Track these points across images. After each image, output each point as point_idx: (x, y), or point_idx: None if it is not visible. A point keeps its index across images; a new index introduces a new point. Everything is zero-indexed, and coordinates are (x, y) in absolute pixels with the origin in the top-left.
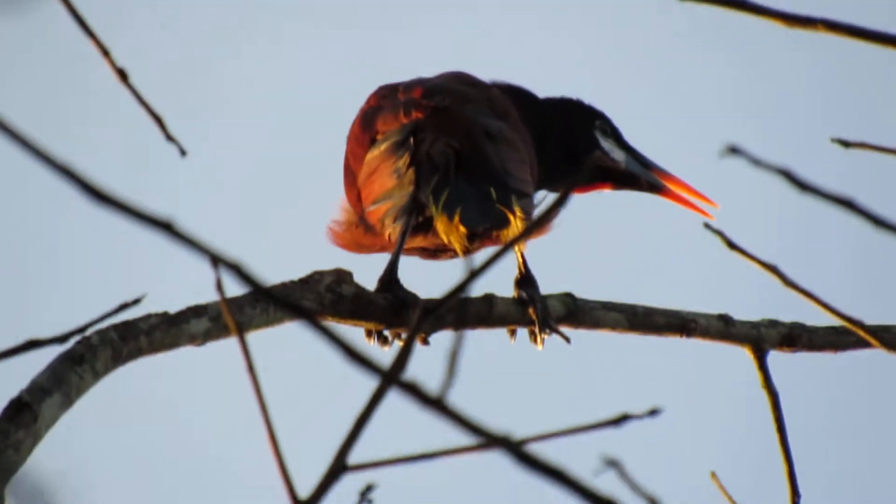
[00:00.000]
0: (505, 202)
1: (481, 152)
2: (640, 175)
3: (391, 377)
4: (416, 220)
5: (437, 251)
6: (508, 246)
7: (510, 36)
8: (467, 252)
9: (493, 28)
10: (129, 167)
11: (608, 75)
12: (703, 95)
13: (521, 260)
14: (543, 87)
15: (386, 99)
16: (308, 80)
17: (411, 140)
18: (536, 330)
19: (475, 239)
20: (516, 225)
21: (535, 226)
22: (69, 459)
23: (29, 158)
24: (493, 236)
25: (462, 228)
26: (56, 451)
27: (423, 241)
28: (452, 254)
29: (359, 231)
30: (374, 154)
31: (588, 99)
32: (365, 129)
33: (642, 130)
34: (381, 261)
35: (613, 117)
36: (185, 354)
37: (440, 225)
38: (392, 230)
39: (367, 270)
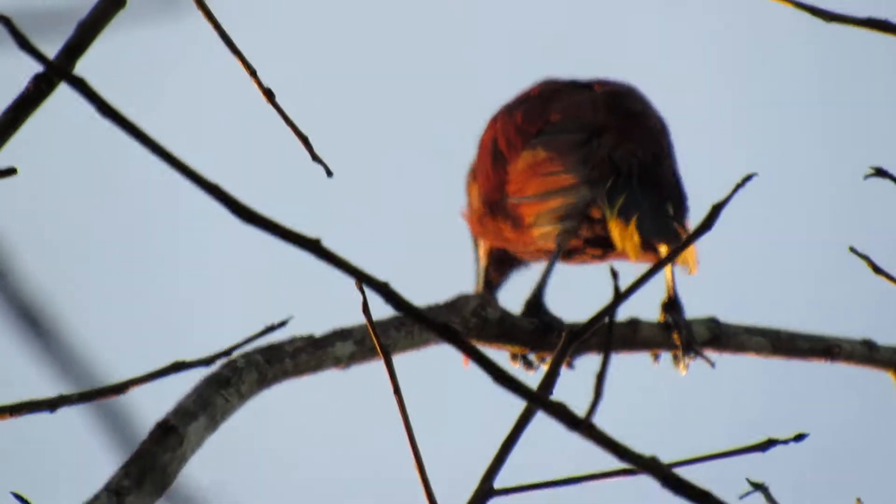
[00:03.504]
0: (680, 220)
1: (664, 167)
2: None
3: (539, 399)
4: (581, 227)
5: (572, 253)
6: (656, 269)
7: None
8: (634, 259)
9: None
10: (274, 187)
11: (725, 85)
12: (846, 115)
13: (670, 282)
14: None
15: (559, 92)
16: (454, 100)
17: (596, 141)
18: (680, 354)
19: (646, 250)
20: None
21: (681, 249)
22: (222, 473)
23: (177, 177)
24: (660, 251)
25: (637, 237)
26: (209, 465)
27: None
28: (585, 258)
29: (502, 222)
30: (542, 147)
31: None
32: (531, 117)
33: (785, 150)
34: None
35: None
36: (329, 377)
37: (614, 230)
38: (550, 230)
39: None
